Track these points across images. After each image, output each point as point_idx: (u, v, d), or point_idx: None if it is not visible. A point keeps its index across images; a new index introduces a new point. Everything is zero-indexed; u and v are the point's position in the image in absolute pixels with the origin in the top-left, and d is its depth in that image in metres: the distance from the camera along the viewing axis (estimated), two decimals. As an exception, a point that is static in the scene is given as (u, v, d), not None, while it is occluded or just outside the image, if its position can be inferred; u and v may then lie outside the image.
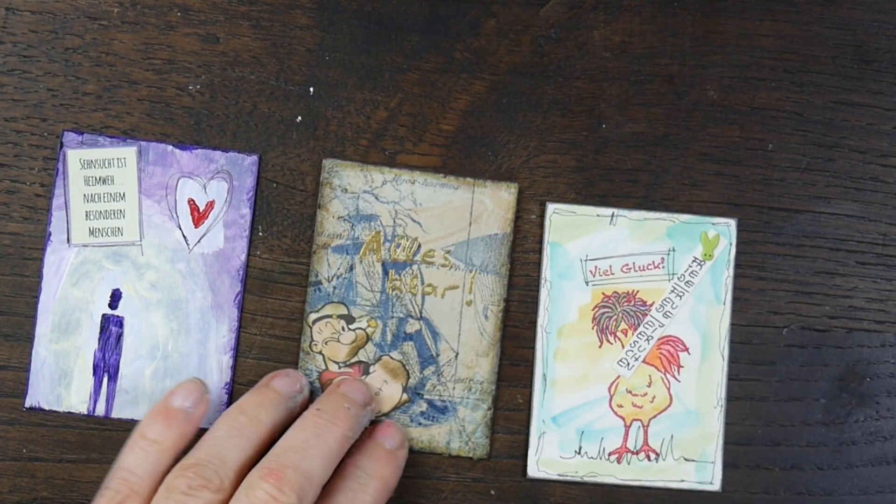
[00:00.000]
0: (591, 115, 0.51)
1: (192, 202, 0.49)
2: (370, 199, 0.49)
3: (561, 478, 0.50)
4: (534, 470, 0.49)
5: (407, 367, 0.49)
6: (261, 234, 0.50)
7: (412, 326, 0.49)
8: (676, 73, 0.51)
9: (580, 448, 0.50)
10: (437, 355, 0.49)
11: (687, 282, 0.50)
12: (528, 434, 0.50)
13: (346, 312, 0.49)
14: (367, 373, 0.49)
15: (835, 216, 0.51)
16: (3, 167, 0.49)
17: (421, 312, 0.49)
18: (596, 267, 0.50)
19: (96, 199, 0.49)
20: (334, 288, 0.49)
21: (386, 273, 0.49)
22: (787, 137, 0.51)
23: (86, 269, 0.49)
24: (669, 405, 0.50)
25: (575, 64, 0.51)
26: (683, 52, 0.51)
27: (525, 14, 0.51)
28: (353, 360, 0.49)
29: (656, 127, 0.51)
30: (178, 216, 0.49)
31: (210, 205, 0.50)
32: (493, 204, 0.50)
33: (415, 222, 0.50)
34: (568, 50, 0.51)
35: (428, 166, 0.50)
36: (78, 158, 0.49)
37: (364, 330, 0.49)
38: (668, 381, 0.50)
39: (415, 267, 0.49)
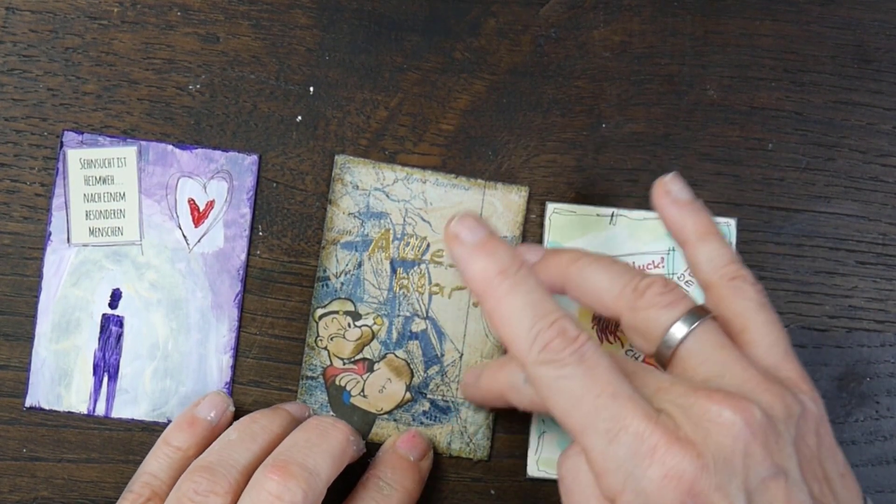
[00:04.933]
0: (591, 115, 0.51)
1: (192, 202, 0.49)
2: (381, 196, 0.50)
3: (561, 477, 0.49)
4: (534, 470, 0.49)
5: (411, 366, 0.49)
6: (261, 233, 0.50)
7: (418, 325, 0.49)
8: (676, 73, 0.51)
9: (580, 448, 0.50)
10: (442, 355, 0.49)
11: (687, 281, 0.50)
12: (528, 434, 0.50)
13: (352, 309, 0.49)
14: (371, 370, 0.49)
15: (835, 216, 0.51)
16: (3, 167, 0.49)
17: (427, 312, 0.49)
18: (596, 267, 0.50)
19: (96, 199, 0.49)
20: (342, 284, 0.49)
21: (394, 271, 0.49)
22: (787, 137, 0.51)
23: (86, 268, 0.49)
24: (669, 405, 0.50)
25: (575, 64, 0.51)
26: (683, 52, 0.51)
27: (525, 14, 0.51)
28: (357, 357, 0.49)
29: (656, 127, 0.51)
30: (178, 216, 0.49)
31: (210, 204, 0.50)
32: (503, 206, 0.50)
33: (424, 221, 0.50)
34: (568, 50, 0.51)
35: (428, 166, 0.50)
36: (78, 158, 0.49)
37: (370, 327, 0.49)
38: (669, 381, 0.50)
39: (423, 266, 0.50)
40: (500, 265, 0.40)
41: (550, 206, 0.50)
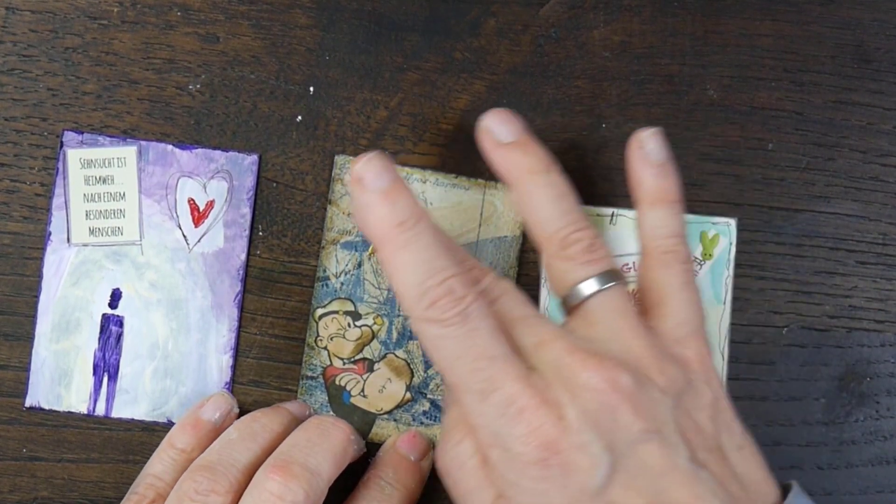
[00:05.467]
0: (591, 115, 0.51)
1: (192, 202, 0.49)
2: None
3: (561, 477, 0.49)
4: (534, 470, 0.49)
5: (411, 366, 0.49)
6: (261, 233, 0.50)
7: (418, 325, 0.49)
8: (676, 73, 0.51)
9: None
10: (442, 355, 0.49)
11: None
12: (528, 434, 0.50)
13: (352, 309, 0.49)
14: (371, 370, 0.49)
15: (835, 216, 0.51)
16: (3, 167, 0.49)
17: (427, 312, 0.49)
18: (596, 267, 0.50)
19: (96, 199, 0.49)
20: (342, 284, 0.49)
21: (394, 271, 0.49)
22: (787, 137, 0.51)
23: (86, 268, 0.49)
24: (669, 405, 0.50)
25: (575, 64, 0.51)
26: (683, 52, 0.51)
27: (525, 14, 0.51)
28: (357, 357, 0.49)
29: (656, 127, 0.51)
30: (178, 216, 0.49)
31: (210, 204, 0.50)
32: (503, 206, 0.50)
33: (425, 222, 0.50)
34: (568, 50, 0.51)
35: (428, 166, 0.50)
36: (78, 158, 0.49)
37: (370, 327, 0.49)
38: (669, 381, 0.50)
39: (424, 266, 0.50)
40: (400, 217, 0.41)
41: (550, 206, 0.50)
